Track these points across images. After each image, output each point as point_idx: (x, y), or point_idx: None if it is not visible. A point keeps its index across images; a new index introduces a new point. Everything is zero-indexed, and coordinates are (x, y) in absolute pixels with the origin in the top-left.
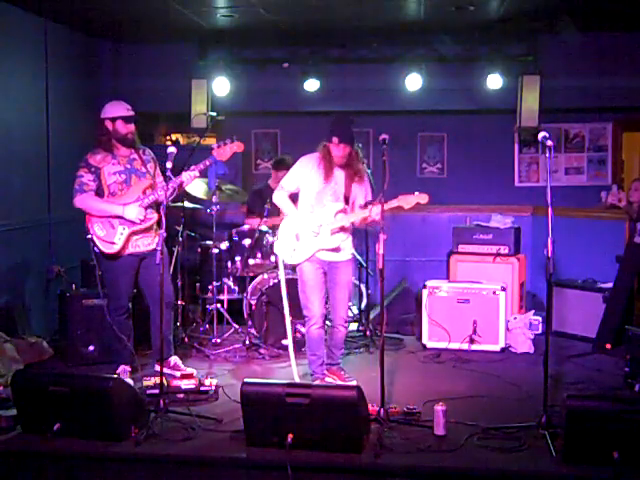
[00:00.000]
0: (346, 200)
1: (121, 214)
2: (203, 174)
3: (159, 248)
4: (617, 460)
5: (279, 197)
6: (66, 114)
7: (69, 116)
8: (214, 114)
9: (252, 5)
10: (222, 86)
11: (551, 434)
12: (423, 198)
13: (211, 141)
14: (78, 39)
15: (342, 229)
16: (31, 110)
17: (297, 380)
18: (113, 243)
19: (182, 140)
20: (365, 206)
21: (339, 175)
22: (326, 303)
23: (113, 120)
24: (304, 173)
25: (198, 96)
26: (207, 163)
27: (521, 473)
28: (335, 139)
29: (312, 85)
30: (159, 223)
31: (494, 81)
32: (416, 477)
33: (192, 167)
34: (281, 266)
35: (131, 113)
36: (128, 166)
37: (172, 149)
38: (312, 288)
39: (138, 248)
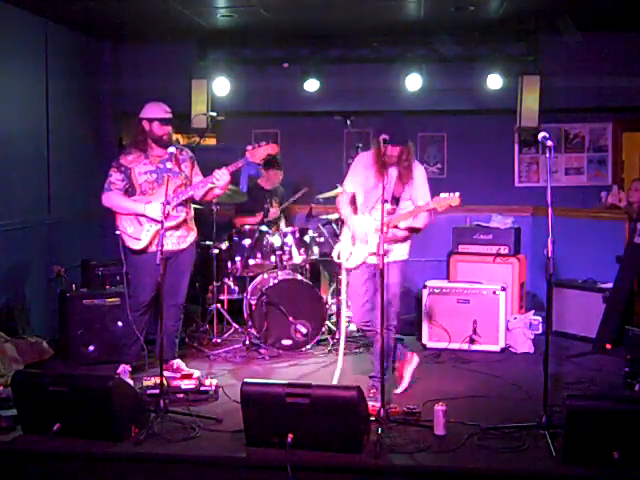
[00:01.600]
0: (396, 201)
1: (142, 212)
2: (234, 175)
3: (159, 248)
4: (617, 460)
5: (340, 202)
6: (66, 114)
7: (69, 116)
8: (214, 114)
9: (252, 5)
10: (222, 86)
11: (551, 434)
12: (454, 201)
13: (211, 141)
14: (78, 39)
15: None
16: (31, 110)
17: (335, 382)
18: (139, 239)
19: (182, 140)
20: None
21: (392, 175)
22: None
23: (150, 121)
24: (357, 172)
25: (198, 96)
26: (239, 164)
27: (521, 473)
28: (382, 138)
29: (312, 85)
30: (188, 223)
31: (494, 81)
32: (416, 477)
33: (223, 168)
34: (343, 272)
35: (169, 115)
36: (160, 165)
37: (172, 149)
38: (353, 297)
39: (167, 247)
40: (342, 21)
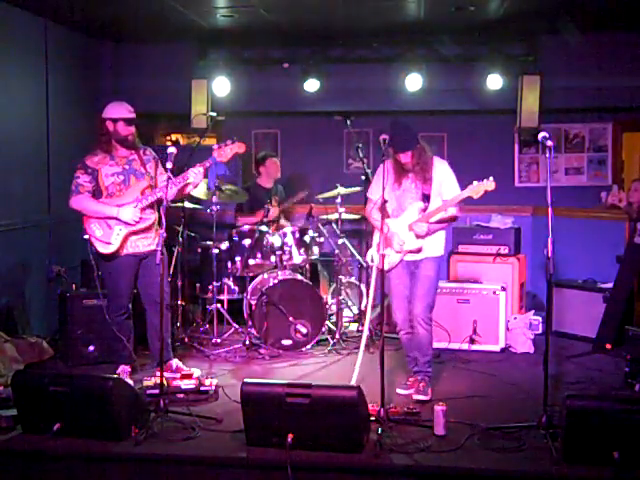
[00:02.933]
0: (427, 198)
1: (116, 215)
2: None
3: (159, 248)
4: (617, 460)
5: (368, 210)
6: (66, 114)
7: (69, 116)
8: (214, 114)
9: (252, 5)
10: (222, 86)
11: (551, 434)
12: (490, 185)
13: (211, 141)
14: (78, 39)
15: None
16: (31, 110)
17: (353, 382)
18: (109, 243)
19: (182, 140)
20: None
21: (411, 177)
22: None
23: (114, 121)
24: (380, 180)
25: (198, 96)
26: (207, 164)
27: (521, 473)
28: (391, 150)
29: (312, 85)
30: (160, 223)
31: (494, 81)
32: (416, 477)
33: (196, 165)
34: (374, 274)
35: (132, 115)
36: (127, 167)
37: (172, 149)
38: (396, 297)
39: (138, 248)
40: (342, 21)
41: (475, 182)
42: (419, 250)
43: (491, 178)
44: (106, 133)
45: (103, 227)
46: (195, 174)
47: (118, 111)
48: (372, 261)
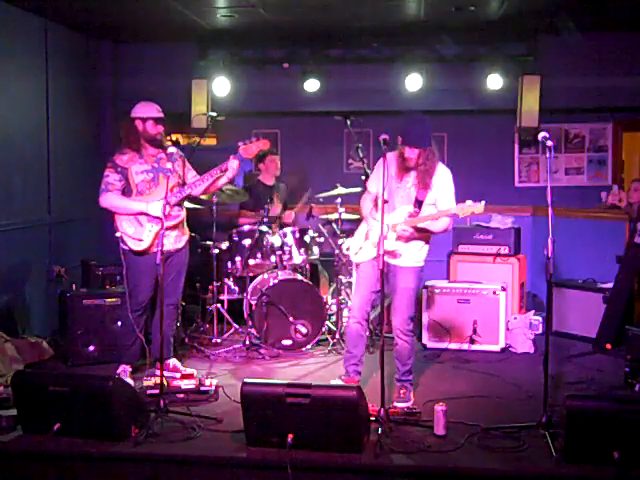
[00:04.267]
0: (419, 204)
1: (145, 210)
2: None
3: (159, 248)
4: (617, 460)
5: (362, 199)
6: (66, 114)
7: (69, 116)
8: (214, 114)
9: (252, 5)
10: (222, 86)
11: (551, 434)
12: (479, 209)
13: (211, 141)
14: (78, 39)
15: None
16: (31, 110)
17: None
18: (141, 240)
19: (182, 140)
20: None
21: (412, 177)
22: (373, 307)
23: (144, 120)
24: (380, 173)
25: (198, 96)
26: (238, 159)
27: (521, 473)
28: (400, 139)
29: (312, 85)
30: (183, 223)
31: (494, 81)
32: (416, 477)
33: (230, 157)
34: (354, 268)
35: (161, 114)
36: (155, 165)
37: (172, 149)
38: (358, 285)
39: (166, 247)
40: (342, 21)
41: (469, 202)
42: (394, 253)
43: (483, 202)
44: (135, 132)
45: (135, 224)
46: (234, 168)
47: (147, 110)
48: (347, 250)
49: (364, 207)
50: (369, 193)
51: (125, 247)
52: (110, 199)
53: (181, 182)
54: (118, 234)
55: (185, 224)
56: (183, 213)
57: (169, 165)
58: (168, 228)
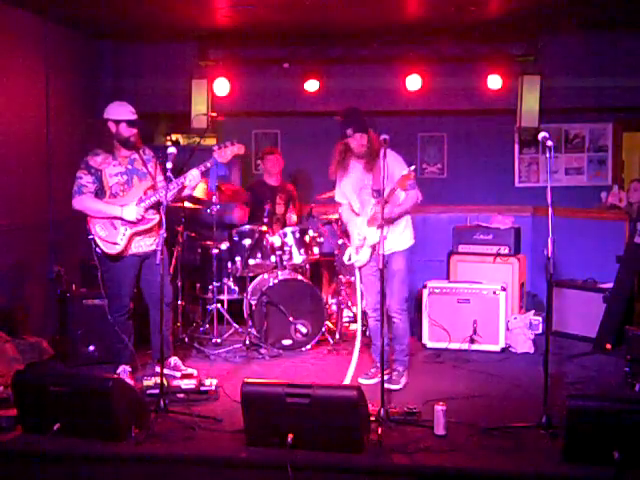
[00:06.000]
0: (378, 193)
1: (120, 215)
2: (204, 175)
3: (159, 248)
4: (617, 460)
5: (342, 213)
6: (66, 114)
7: (69, 116)
8: (214, 114)
9: (252, 5)
10: (222, 86)
11: (551, 434)
12: (408, 174)
13: (211, 141)
14: (78, 39)
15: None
16: (31, 110)
17: (348, 380)
18: (115, 243)
19: (182, 140)
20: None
21: (362, 168)
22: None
23: (117, 122)
24: (338, 181)
25: (198, 96)
26: (208, 165)
27: (521, 473)
28: (349, 130)
29: (312, 85)
30: (160, 224)
31: (494, 81)
32: (416, 477)
33: (193, 169)
34: (357, 272)
35: (135, 117)
36: (129, 167)
37: (172, 149)
38: (366, 287)
39: (141, 248)
40: (342, 21)
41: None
42: (385, 238)
43: (412, 167)
44: (108, 134)
45: (108, 228)
46: (191, 178)
47: (121, 112)
48: (349, 260)
49: (344, 217)
50: (342, 205)
51: (98, 250)
52: (84, 202)
53: (154, 185)
54: (91, 237)
55: (162, 224)
56: (157, 217)
57: (143, 167)
58: (143, 232)
